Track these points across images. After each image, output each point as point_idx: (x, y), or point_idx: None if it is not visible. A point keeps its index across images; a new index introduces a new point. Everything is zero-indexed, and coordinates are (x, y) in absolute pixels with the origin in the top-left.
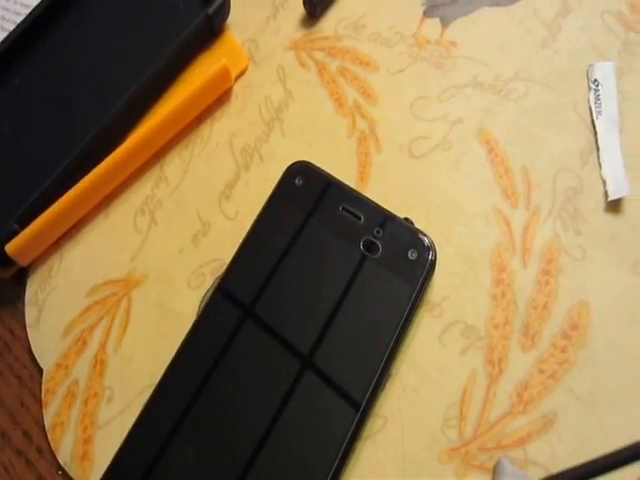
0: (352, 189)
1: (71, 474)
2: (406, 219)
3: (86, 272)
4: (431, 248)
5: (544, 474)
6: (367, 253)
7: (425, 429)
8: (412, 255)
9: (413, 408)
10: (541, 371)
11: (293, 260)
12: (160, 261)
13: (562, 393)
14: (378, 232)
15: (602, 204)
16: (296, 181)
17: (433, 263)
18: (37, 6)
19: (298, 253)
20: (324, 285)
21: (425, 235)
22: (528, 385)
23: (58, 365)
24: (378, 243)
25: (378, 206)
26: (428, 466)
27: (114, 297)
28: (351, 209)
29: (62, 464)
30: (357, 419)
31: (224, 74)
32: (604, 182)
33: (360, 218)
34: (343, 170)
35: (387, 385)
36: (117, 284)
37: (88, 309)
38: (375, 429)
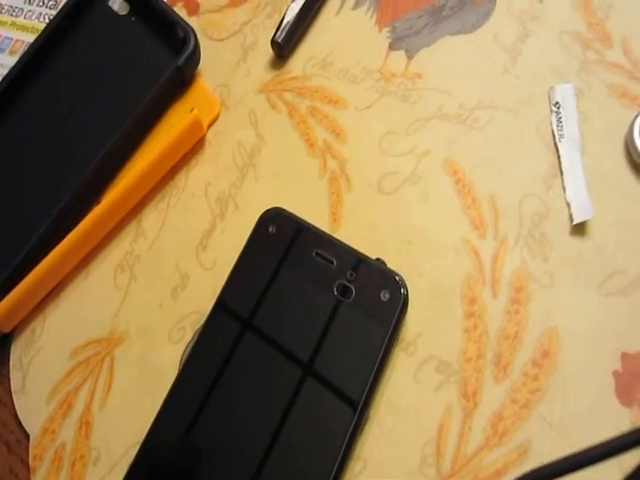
0: (324, 233)
1: None
2: (377, 259)
3: (69, 333)
4: (402, 286)
5: None
6: (341, 298)
7: (404, 468)
8: (384, 296)
9: (391, 448)
10: (514, 401)
11: (270, 308)
12: (141, 317)
13: (535, 421)
14: (351, 275)
15: (567, 228)
16: (270, 229)
17: (405, 302)
18: (12, 68)
19: (274, 301)
20: (297, 331)
21: (396, 274)
22: (502, 416)
23: (45, 429)
24: (351, 287)
25: (350, 249)
26: None
27: (97, 357)
28: (324, 254)
29: None
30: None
31: (196, 126)
32: (568, 205)
33: (333, 262)
34: (316, 212)
35: (365, 428)
36: (100, 343)
37: (72, 370)
38: (356, 472)
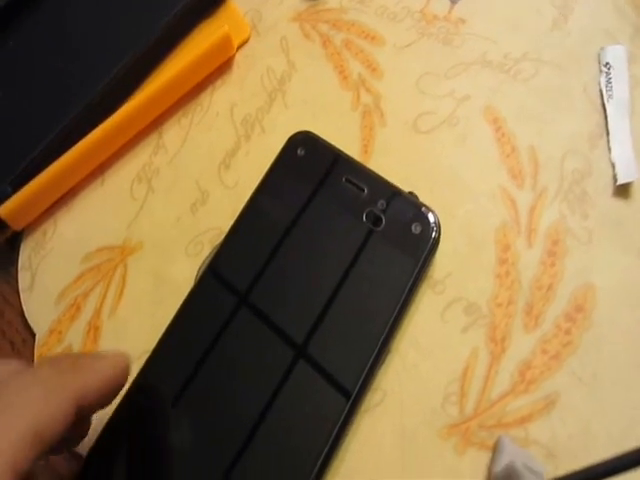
0: (356, 161)
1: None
2: (410, 193)
3: (81, 238)
4: (436, 223)
5: (545, 454)
6: (370, 226)
7: (425, 405)
8: (416, 229)
9: (413, 383)
10: (544, 352)
11: (293, 232)
12: (157, 229)
13: (565, 374)
14: (382, 205)
15: (610, 188)
16: (298, 151)
17: (437, 238)
18: None
19: (299, 225)
20: (325, 258)
21: (430, 210)
22: (531, 365)
23: (51, 331)
24: (381, 216)
25: (382, 179)
26: (427, 442)
27: (110, 263)
28: (355, 181)
29: None
30: (348, 408)
31: (226, 42)
32: (613, 166)
33: (364, 190)
34: (346, 143)
35: (387, 360)
36: (113, 251)
37: (82, 275)
38: (374, 403)
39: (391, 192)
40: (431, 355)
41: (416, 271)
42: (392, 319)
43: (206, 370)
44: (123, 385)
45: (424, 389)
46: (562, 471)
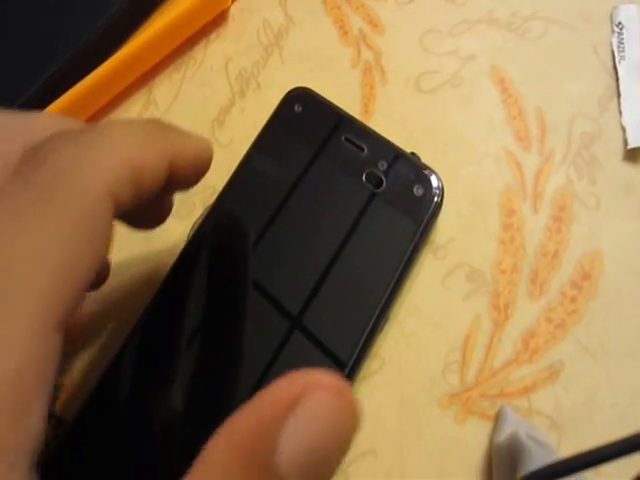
0: (356, 119)
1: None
2: (412, 154)
3: None
4: (438, 185)
5: (548, 424)
6: (370, 187)
7: (425, 373)
8: (418, 191)
9: (413, 351)
10: (549, 320)
11: (289, 194)
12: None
13: (570, 343)
14: (382, 165)
15: (620, 152)
16: (295, 108)
17: (440, 200)
18: None
19: (295, 186)
20: (322, 221)
21: (432, 171)
22: (535, 333)
23: None
24: (382, 177)
25: (383, 138)
26: (426, 410)
27: None
28: (354, 140)
29: None
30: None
31: None
32: (623, 130)
33: (364, 150)
34: (346, 101)
35: (386, 327)
36: None
37: None
38: (372, 370)
39: (392, 152)
40: (432, 322)
41: (417, 235)
42: (391, 286)
43: (196, 339)
44: (207, 169)
45: (424, 357)
46: (565, 442)
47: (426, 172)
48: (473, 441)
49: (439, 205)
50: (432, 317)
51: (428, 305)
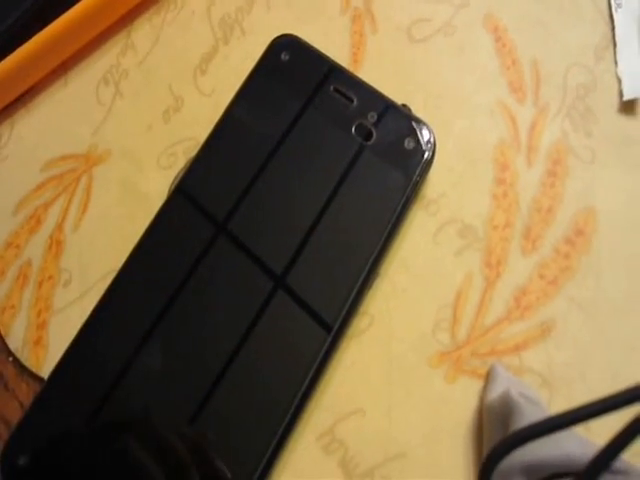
0: (345, 68)
1: (23, 361)
2: (404, 105)
3: (41, 144)
4: (430, 138)
5: (540, 382)
6: (360, 140)
7: (414, 331)
8: (409, 144)
9: (402, 308)
10: (541, 276)
11: (275, 146)
12: (126, 137)
13: (562, 300)
14: (372, 117)
15: (616, 104)
16: (282, 56)
17: (432, 154)
18: None
19: (281, 138)
20: (309, 175)
21: (424, 124)
22: (527, 290)
23: (8, 244)
24: (372, 129)
25: (373, 89)
26: (416, 369)
27: (73, 173)
28: (343, 90)
29: (13, 350)
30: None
31: None
32: (619, 80)
33: (353, 101)
34: (334, 50)
35: (375, 284)
36: (77, 159)
37: (43, 185)
38: (361, 328)
39: (383, 104)
40: (422, 279)
41: (408, 189)
42: (381, 242)
43: (177, 298)
44: None
45: (414, 315)
46: (557, 400)
47: (417, 124)
48: (463, 400)
49: (431, 159)
50: (422, 274)
51: (418, 261)
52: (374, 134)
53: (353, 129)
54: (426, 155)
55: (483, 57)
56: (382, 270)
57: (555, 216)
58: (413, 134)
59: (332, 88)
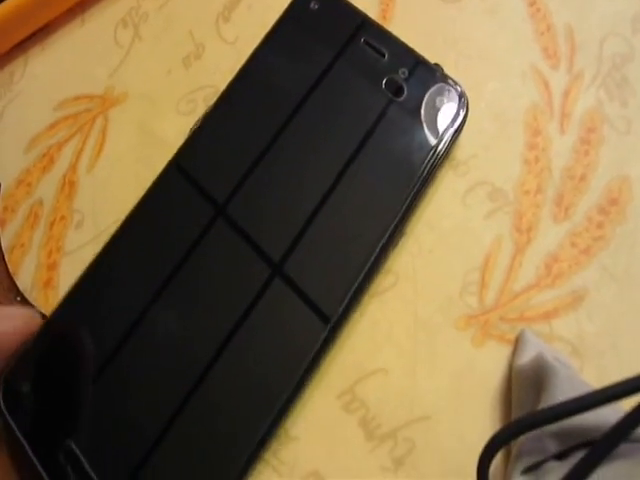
0: (376, 22)
1: (32, 301)
2: (436, 65)
3: (55, 83)
4: (462, 98)
5: (570, 351)
6: (390, 95)
7: (441, 292)
8: (440, 103)
9: (428, 269)
10: (573, 245)
11: (299, 96)
12: (144, 80)
13: (595, 270)
14: (404, 73)
15: None
16: (311, 5)
17: (464, 115)
18: None
19: (305, 89)
20: (335, 128)
21: (456, 83)
22: (558, 258)
23: (20, 181)
24: (403, 85)
25: (405, 45)
26: (442, 331)
27: (88, 114)
28: (374, 44)
29: (21, 290)
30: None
31: None
32: None
33: (384, 55)
34: (362, 6)
35: (401, 243)
36: (92, 100)
37: (57, 124)
38: (384, 287)
39: (415, 60)
40: (450, 241)
41: (438, 148)
42: (408, 200)
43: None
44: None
45: (441, 276)
46: (588, 370)
47: (450, 84)
48: (491, 364)
49: (463, 119)
50: (450, 235)
51: (447, 222)
52: (405, 90)
53: (383, 84)
54: (458, 115)
55: (517, 21)
56: (408, 229)
57: (588, 184)
58: (445, 93)
59: (363, 41)
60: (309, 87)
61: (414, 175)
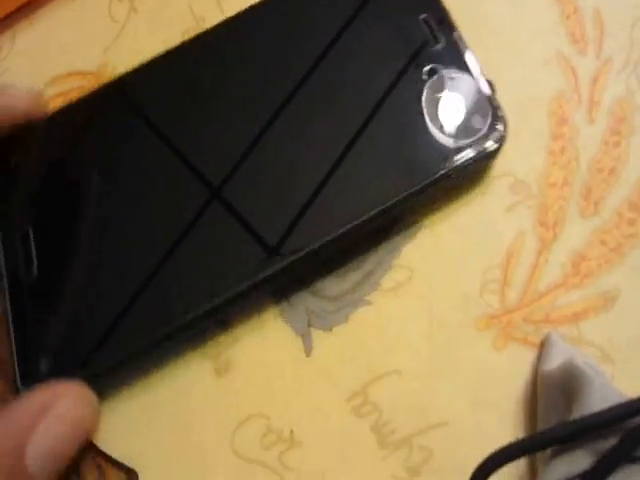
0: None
1: None
2: (489, 82)
3: (45, 60)
4: (502, 132)
5: (600, 357)
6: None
7: (459, 289)
8: (476, 122)
9: (446, 264)
10: (603, 243)
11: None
12: (141, 57)
13: (627, 270)
14: (448, 73)
15: None
16: None
17: (497, 147)
18: None
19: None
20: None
21: (501, 114)
22: (586, 256)
23: None
24: (445, 81)
25: (465, 46)
26: (460, 331)
27: (82, 91)
28: (433, 24)
29: None
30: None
31: None
32: None
33: (438, 42)
34: None
35: (417, 234)
36: (85, 77)
37: (48, 101)
38: (398, 281)
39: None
40: (469, 235)
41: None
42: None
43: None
44: None
45: (459, 272)
46: (620, 377)
47: (493, 109)
48: (513, 369)
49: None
50: (470, 229)
51: (465, 215)
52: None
53: (423, 70)
54: (488, 144)
55: (540, 3)
56: (425, 221)
57: (619, 178)
58: (484, 114)
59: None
60: (337, 42)
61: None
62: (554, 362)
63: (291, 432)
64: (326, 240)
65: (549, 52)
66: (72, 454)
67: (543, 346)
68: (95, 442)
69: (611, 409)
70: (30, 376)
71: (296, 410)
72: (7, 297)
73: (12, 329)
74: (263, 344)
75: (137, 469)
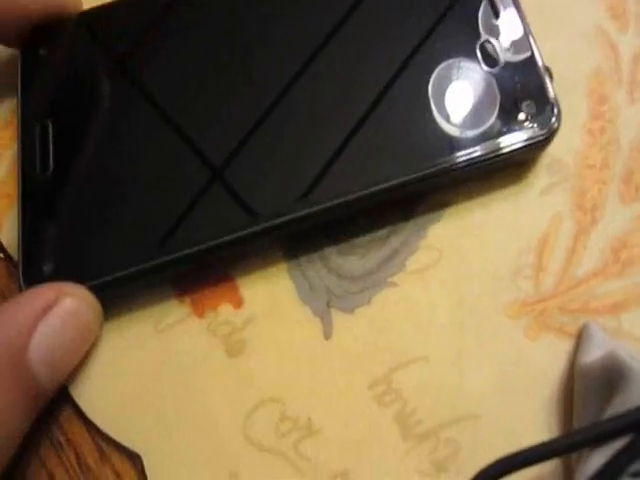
0: None
1: (16, 259)
2: (547, 68)
3: None
4: (554, 124)
5: None
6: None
7: (490, 273)
8: (525, 108)
9: (477, 247)
10: None
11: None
12: None
13: None
14: (505, 51)
15: None
16: None
17: (547, 136)
18: None
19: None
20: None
21: (556, 103)
22: (627, 243)
23: (8, 123)
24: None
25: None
26: (491, 317)
27: None
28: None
29: (5, 245)
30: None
31: None
32: None
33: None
34: None
35: (445, 216)
36: None
37: None
38: (425, 263)
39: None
40: (501, 216)
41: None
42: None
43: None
44: None
45: (490, 256)
46: None
47: (549, 100)
48: (547, 360)
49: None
50: (501, 210)
51: (498, 196)
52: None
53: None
54: (539, 133)
55: None
56: (454, 200)
57: None
58: (533, 103)
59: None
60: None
61: None
62: (593, 354)
63: (308, 419)
64: (340, 201)
65: (587, 26)
66: (75, 360)
67: (581, 337)
68: (97, 424)
69: None
70: (34, 276)
71: (314, 396)
72: (19, 190)
73: (21, 224)
74: (279, 324)
75: (141, 453)
